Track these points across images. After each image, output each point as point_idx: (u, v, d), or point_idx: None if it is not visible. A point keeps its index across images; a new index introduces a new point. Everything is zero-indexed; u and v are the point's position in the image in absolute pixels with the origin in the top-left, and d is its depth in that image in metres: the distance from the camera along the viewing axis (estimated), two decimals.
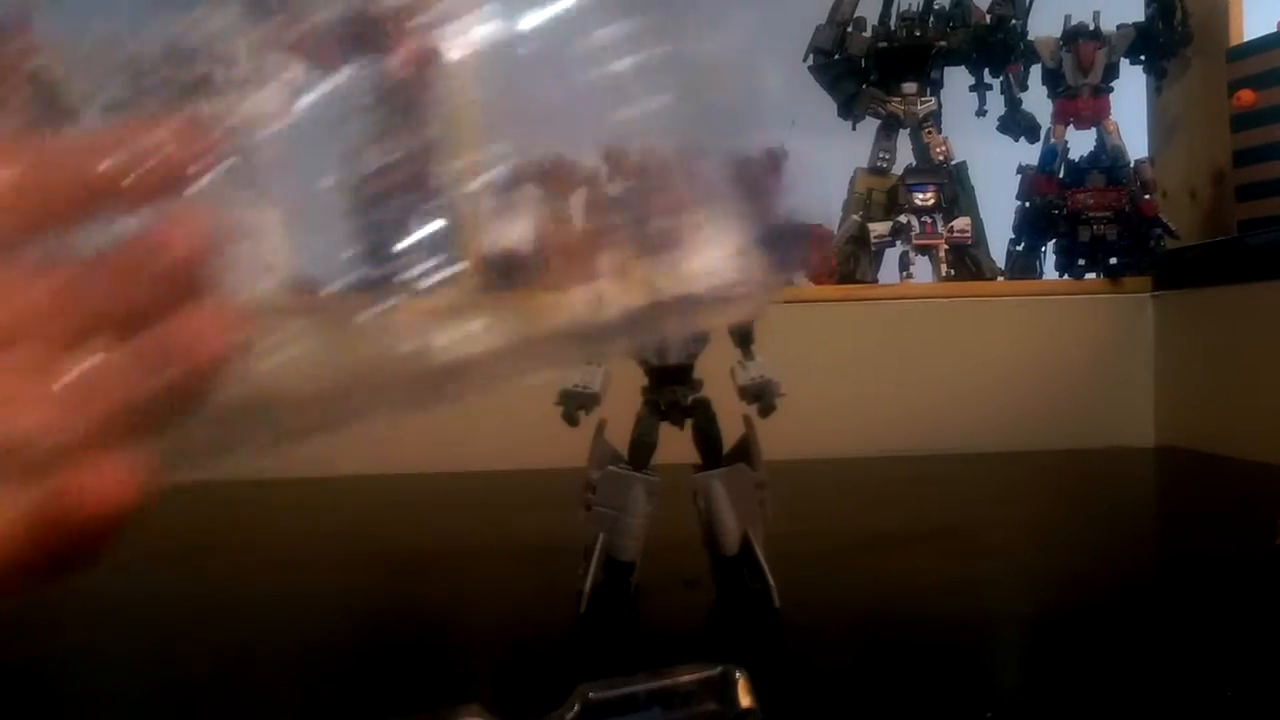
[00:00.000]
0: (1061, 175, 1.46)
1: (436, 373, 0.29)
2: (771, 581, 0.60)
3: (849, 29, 1.45)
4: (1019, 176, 1.49)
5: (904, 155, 1.48)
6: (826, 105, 1.48)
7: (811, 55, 1.47)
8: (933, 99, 1.46)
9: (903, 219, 1.43)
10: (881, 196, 1.47)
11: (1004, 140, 1.49)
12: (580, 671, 0.53)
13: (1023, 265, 1.47)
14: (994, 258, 1.46)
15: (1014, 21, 1.44)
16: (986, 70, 1.47)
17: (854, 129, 1.48)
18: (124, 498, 0.22)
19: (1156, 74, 1.51)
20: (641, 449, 0.61)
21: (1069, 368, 1.41)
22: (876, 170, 1.48)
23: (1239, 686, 0.46)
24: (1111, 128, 1.45)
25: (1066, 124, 1.47)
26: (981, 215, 1.46)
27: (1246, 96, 1.36)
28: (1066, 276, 1.44)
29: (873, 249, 1.44)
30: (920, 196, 1.42)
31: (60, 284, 0.23)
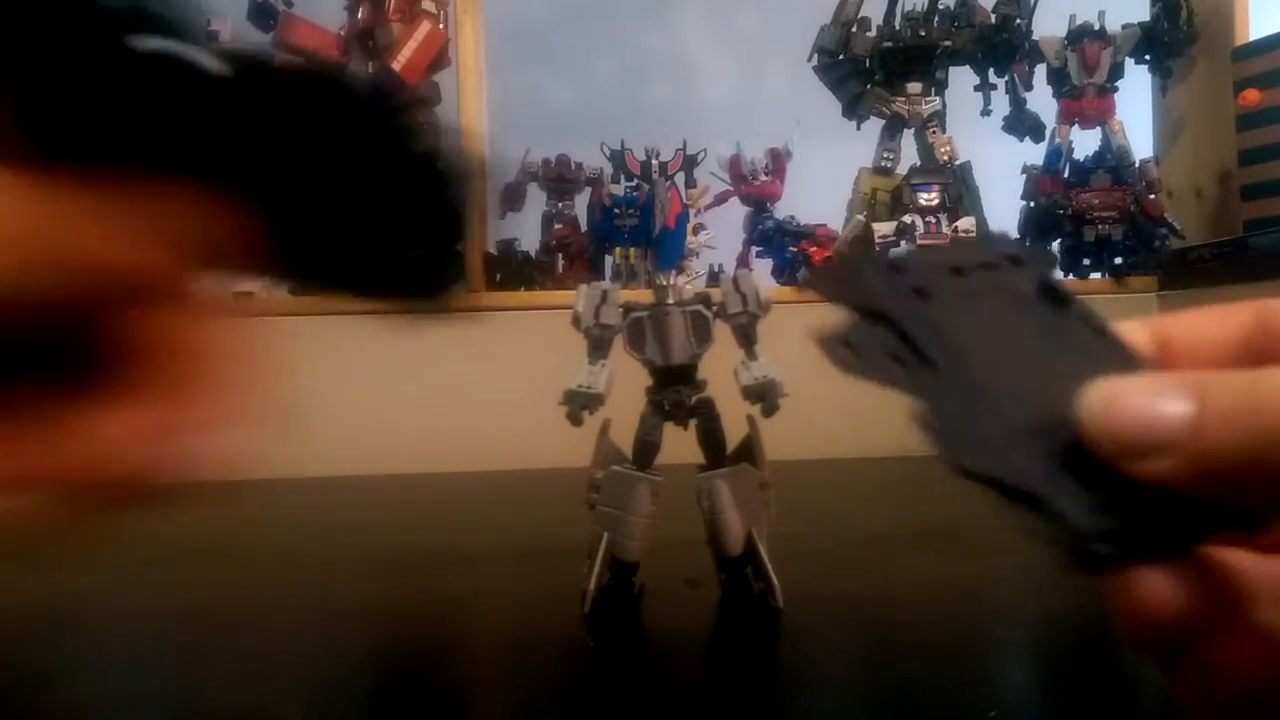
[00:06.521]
0: (1066, 175, 1.46)
1: None
2: (775, 581, 0.60)
3: (854, 29, 1.45)
4: (1024, 176, 1.49)
5: (908, 155, 1.48)
6: (831, 105, 1.48)
7: (816, 55, 1.47)
8: (937, 99, 1.46)
9: (907, 219, 1.43)
10: (886, 197, 1.47)
11: (1009, 140, 1.49)
12: (584, 671, 0.53)
13: None
14: None
15: (1019, 21, 1.44)
16: (991, 70, 1.47)
17: (859, 129, 1.48)
18: None
19: (1162, 73, 1.51)
20: (645, 449, 0.61)
21: None
22: (881, 170, 1.48)
23: None
24: (1117, 127, 1.45)
25: (1071, 124, 1.47)
26: (986, 215, 1.46)
27: (1252, 96, 1.36)
28: (1071, 276, 1.44)
29: (877, 249, 1.44)
30: (925, 196, 1.42)
31: None
